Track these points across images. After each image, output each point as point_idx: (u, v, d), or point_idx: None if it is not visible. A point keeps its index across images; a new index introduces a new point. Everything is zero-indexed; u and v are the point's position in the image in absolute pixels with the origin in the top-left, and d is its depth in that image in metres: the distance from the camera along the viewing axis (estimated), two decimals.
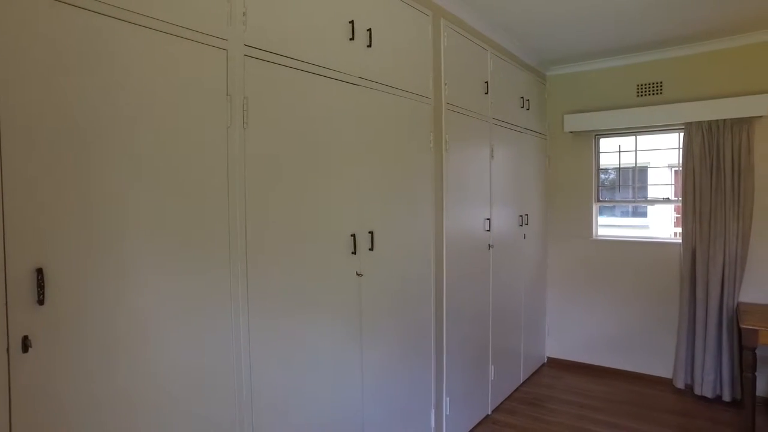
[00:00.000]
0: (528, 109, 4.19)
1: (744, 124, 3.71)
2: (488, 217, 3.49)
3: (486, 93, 3.46)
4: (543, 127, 4.57)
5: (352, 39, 2.24)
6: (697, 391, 3.89)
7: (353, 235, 2.24)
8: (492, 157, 3.54)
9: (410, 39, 2.70)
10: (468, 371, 3.33)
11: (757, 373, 3.41)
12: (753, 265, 3.81)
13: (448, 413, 3.07)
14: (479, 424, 3.51)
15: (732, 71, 3.85)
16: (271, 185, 1.86)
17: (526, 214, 4.15)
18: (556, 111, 4.61)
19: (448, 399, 3.06)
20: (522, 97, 4.07)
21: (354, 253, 2.24)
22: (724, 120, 3.75)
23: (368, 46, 2.35)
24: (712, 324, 3.80)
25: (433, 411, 2.97)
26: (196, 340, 1.61)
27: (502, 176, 3.74)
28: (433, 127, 2.89)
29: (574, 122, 4.39)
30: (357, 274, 2.27)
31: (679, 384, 4.02)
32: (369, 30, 2.35)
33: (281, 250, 1.90)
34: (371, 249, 2.36)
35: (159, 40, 1.50)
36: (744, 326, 3.23)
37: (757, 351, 3.30)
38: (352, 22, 2.24)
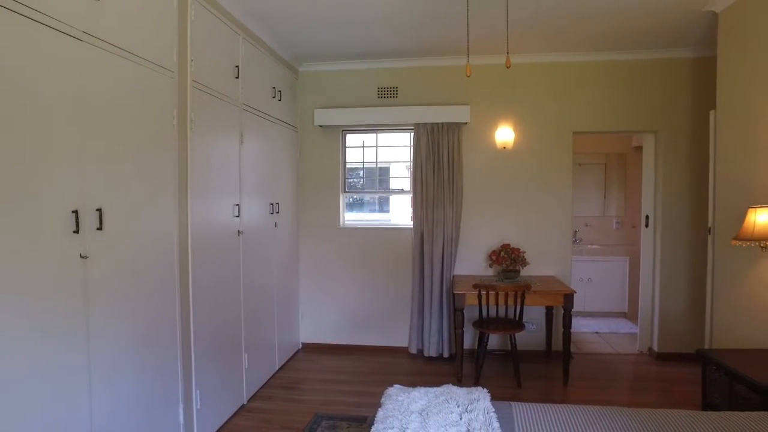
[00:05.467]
0: (280, 101, 4.28)
1: (456, 128, 4.52)
2: (238, 203, 3.44)
3: (237, 77, 3.41)
4: (295, 120, 4.74)
5: None
6: (426, 353, 4.57)
7: (75, 212, 1.93)
8: (242, 142, 3.51)
9: (152, 5, 2.49)
10: (220, 361, 3.22)
11: (464, 330, 4.18)
12: (463, 244, 4.67)
13: (198, 407, 2.91)
14: (234, 415, 3.43)
15: (448, 84, 4.65)
16: None
17: (278, 203, 4.23)
18: (308, 105, 4.84)
19: (198, 392, 2.91)
20: (274, 88, 4.14)
21: (77, 232, 1.94)
22: (443, 123, 4.50)
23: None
24: (435, 295, 4.52)
25: (181, 406, 2.79)
26: None
27: (253, 163, 3.74)
28: (178, 103, 2.72)
29: (324, 117, 4.68)
30: (81, 256, 1.97)
31: (413, 350, 4.66)
32: None
33: None
34: (100, 228, 2.08)
35: None
36: (456, 292, 3.94)
37: (464, 311, 4.05)
38: None
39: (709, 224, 3.68)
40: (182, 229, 2.78)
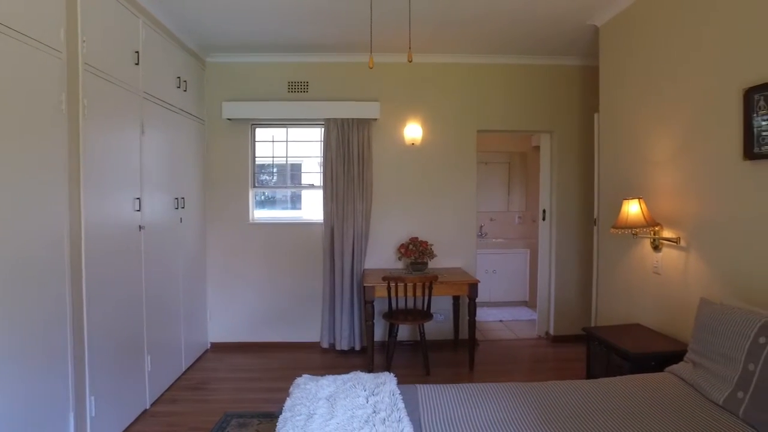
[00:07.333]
0: (185, 91, 4.11)
1: (365, 123, 4.60)
2: (138, 197, 3.26)
3: (136, 64, 3.23)
4: (202, 112, 4.57)
5: None
6: (338, 346, 4.60)
7: None
8: (143, 133, 3.32)
9: None
10: (119, 365, 3.03)
11: (375, 322, 4.26)
12: (373, 238, 4.76)
13: (93, 415, 2.72)
14: (136, 420, 3.25)
15: (358, 80, 4.72)
16: None
17: (183, 198, 4.05)
18: (215, 97, 4.69)
19: (93, 399, 2.71)
20: (179, 78, 3.97)
21: None
22: (353, 119, 4.56)
23: None
24: (346, 289, 4.56)
25: (72, 415, 2.59)
26: None
27: (156, 156, 3.56)
28: (67, 87, 2.53)
29: (232, 110, 4.55)
30: None
31: (325, 344, 4.67)
32: None
33: None
34: None
35: None
36: (365, 284, 4.02)
37: (375, 304, 4.13)
38: None
39: (595, 216, 4.06)
40: (74, 223, 2.59)
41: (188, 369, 4.21)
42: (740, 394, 1.92)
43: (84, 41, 2.61)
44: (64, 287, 2.54)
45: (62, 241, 2.53)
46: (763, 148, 2.25)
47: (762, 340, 1.90)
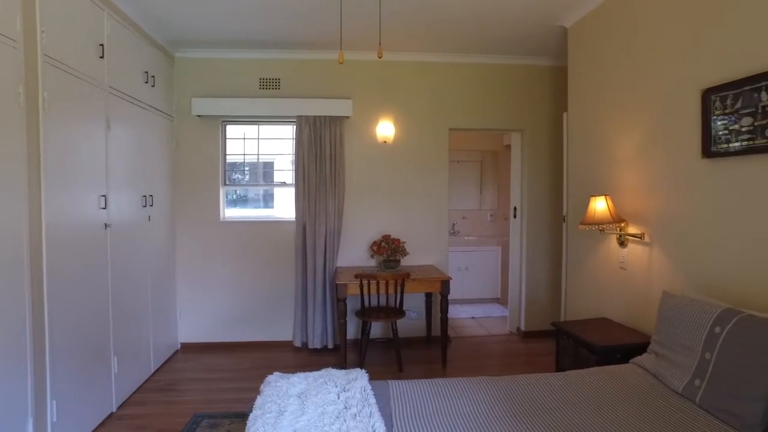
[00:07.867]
0: (154, 86, 4.02)
1: (338, 121, 4.58)
2: (104, 194, 3.18)
3: (101, 57, 3.14)
4: (171, 108, 4.48)
5: None
6: (311, 345, 4.57)
7: None
8: (109, 128, 3.24)
9: None
10: (83, 367, 2.95)
11: (348, 320, 4.26)
12: (345, 236, 4.75)
13: (55, 420, 2.63)
14: (101, 424, 3.17)
15: (330, 78, 4.70)
16: None
17: (151, 195, 3.96)
18: (185, 93, 4.60)
19: (54, 403, 2.62)
20: (147, 72, 3.88)
21: None
22: (325, 116, 4.53)
23: None
24: (319, 287, 4.54)
25: (31, 420, 2.50)
26: None
27: (123, 152, 3.47)
28: (25, 79, 2.44)
29: (202, 106, 4.47)
30: None
31: (297, 343, 4.64)
32: None
33: None
34: None
35: None
36: (338, 282, 4.00)
37: (347, 302, 4.12)
38: None
39: (564, 213, 4.14)
40: (34, 220, 2.50)
41: (157, 370, 4.12)
42: (697, 382, 1.99)
43: (43, 31, 2.52)
44: (23, 287, 2.45)
45: (20, 239, 2.44)
46: (720, 147, 2.34)
47: (717, 329, 1.97)
